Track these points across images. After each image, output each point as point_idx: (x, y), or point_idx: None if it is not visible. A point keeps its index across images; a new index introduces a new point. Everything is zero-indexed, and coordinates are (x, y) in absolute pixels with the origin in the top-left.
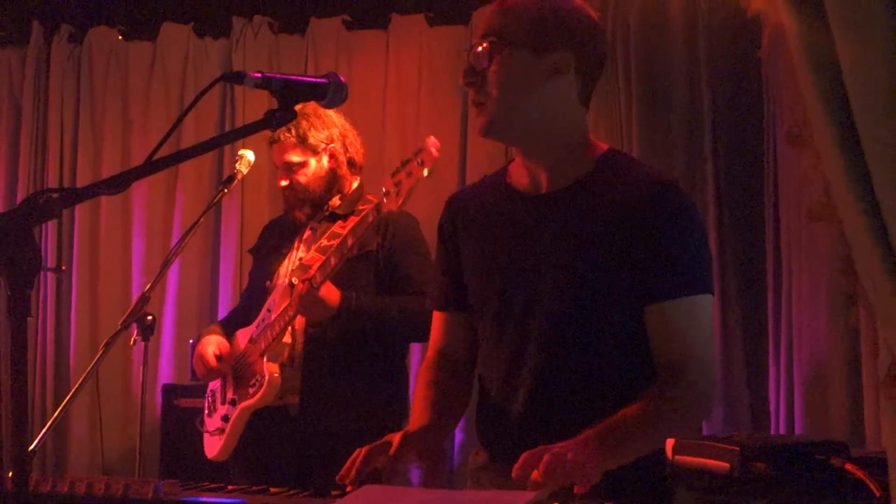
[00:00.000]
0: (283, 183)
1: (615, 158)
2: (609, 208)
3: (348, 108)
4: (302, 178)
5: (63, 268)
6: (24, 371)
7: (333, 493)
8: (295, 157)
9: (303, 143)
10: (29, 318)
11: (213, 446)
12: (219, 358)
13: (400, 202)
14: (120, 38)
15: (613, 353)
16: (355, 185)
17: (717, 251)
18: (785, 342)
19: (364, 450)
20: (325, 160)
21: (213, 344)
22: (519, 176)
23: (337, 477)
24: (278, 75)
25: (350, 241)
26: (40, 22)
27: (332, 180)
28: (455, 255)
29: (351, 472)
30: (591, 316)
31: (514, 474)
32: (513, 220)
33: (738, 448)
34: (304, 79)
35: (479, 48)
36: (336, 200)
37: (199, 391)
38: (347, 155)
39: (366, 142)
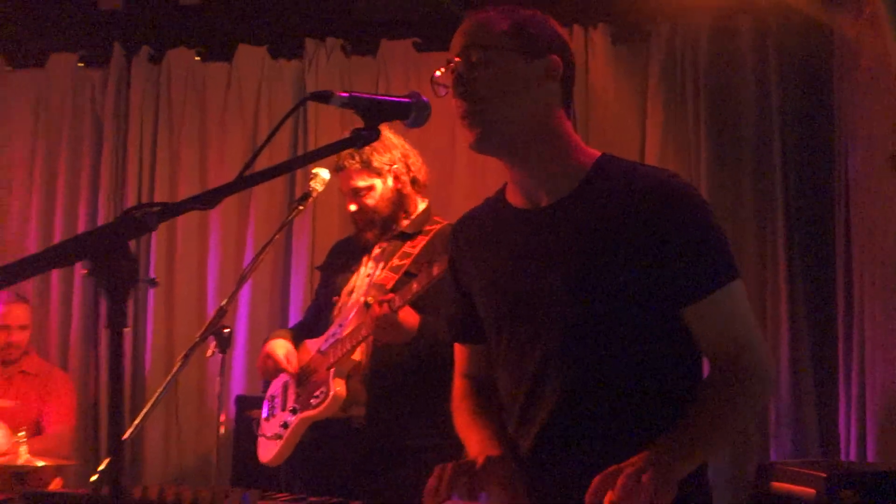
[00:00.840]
0: (353, 208)
1: (610, 163)
2: (613, 214)
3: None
4: (370, 202)
5: (157, 280)
6: (122, 378)
7: None
8: (361, 182)
9: (367, 167)
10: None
11: (268, 451)
12: (287, 359)
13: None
14: (197, 59)
15: (637, 360)
16: (422, 206)
17: (786, 275)
18: (856, 369)
19: (449, 469)
20: (390, 181)
21: (282, 347)
22: (515, 193)
23: (424, 494)
24: (364, 95)
25: (435, 271)
26: (121, 43)
27: (399, 200)
28: (463, 280)
29: (440, 490)
30: (608, 328)
31: (587, 499)
32: (514, 238)
33: (824, 475)
34: (389, 98)
35: (467, 57)
36: (404, 221)
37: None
38: (411, 175)
39: (436, 162)
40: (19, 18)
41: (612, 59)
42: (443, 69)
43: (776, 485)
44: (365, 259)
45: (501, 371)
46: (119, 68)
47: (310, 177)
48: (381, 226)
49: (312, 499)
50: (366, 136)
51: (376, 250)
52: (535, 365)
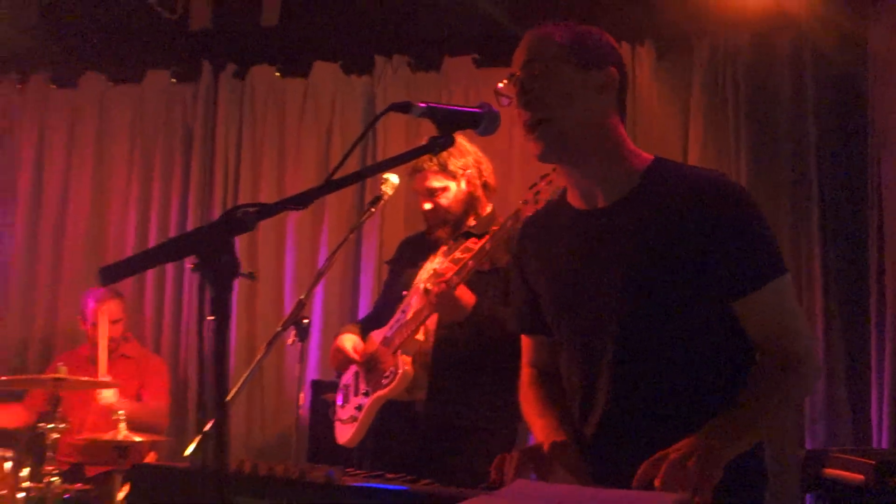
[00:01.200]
0: (427, 206)
1: (662, 165)
2: (667, 213)
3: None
4: (444, 201)
5: (254, 275)
6: (226, 364)
7: (480, 486)
8: (437, 183)
9: (444, 169)
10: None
11: (344, 433)
12: (356, 351)
13: (537, 209)
14: (277, 75)
15: (689, 352)
16: (489, 209)
17: (820, 274)
18: (889, 361)
19: (517, 454)
20: (463, 184)
21: (350, 340)
22: (574, 196)
23: (491, 478)
24: (440, 105)
25: (488, 247)
26: (210, 61)
27: (470, 202)
28: (527, 276)
29: (509, 473)
30: (662, 322)
31: (634, 484)
32: (574, 237)
33: (873, 462)
34: (463, 109)
35: (530, 70)
36: (472, 221)
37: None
38: (482, 179)
39: (494, 166)
40: (119, 39)
41: (656, 73)
42: (506, 81)
43: (828, 471)
44: (432, 257)
45: (565, 362)
46: (207, 84)
47: (381, 182)
48: (452, 224)
49: (389, 475)
50: (441, 143)
51: (443, 248)
52: (595, 357)
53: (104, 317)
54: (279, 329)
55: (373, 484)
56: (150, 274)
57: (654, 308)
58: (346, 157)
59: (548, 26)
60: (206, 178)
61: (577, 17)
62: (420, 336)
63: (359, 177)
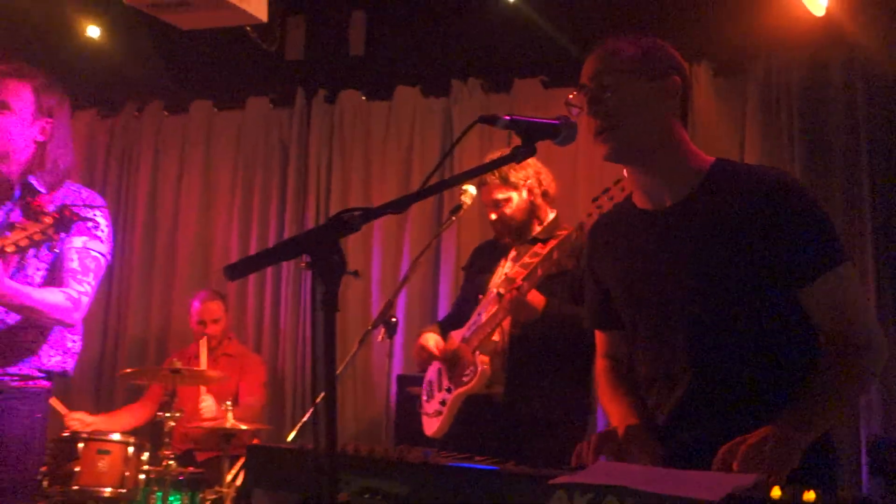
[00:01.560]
0: (493, 217)
1: (724, 165)
2: (731, 210)
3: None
4: (508, 211)
5: (357, 273)
6: (335, 355)
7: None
8: (500, 195)
9: (505, 182)
10: (337, 313)
11: (431, 426)
12: (437, 349)
13: (604, 213)
14: (363, 98)
15: (758, 342)
16: (552, 216)
17: (874, 284)
18: None
19: (595, 437)
20: (524, 194)
21: (432, 338)
22: (640, 197)
23: (573, 457)
24: (522, 118)
25: (555, 255)
26: (303, 88)
27: (532, 209)
28: (599, 275)
29: (588, 454)
30: (731, 315)
31: (714, 467)
32: (642, 237)
33: None
34: (543, 121)
35: (599, 82)
36: (537, 228)
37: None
38: (542, 188)
39: (561, 175)
40: (223, 69)
41: (713, 91)
42: (576, 92)
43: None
44: (503, 261)
45: (639, 354)
46: (301, 108)
47: (461, 192)
48: (517, 231)
49: (478, 458)
50: (524, 153)
51: (512, 253)
52: (668, 349)
53: (207, 316)
54: (370, 328)
55: (465, 464)
56: (252, 280)
57: (724, 300)
58: (438, 164)
59: (616, 40)
60: (301, 192)
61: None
62: (496, 337)
63: (448, 184)
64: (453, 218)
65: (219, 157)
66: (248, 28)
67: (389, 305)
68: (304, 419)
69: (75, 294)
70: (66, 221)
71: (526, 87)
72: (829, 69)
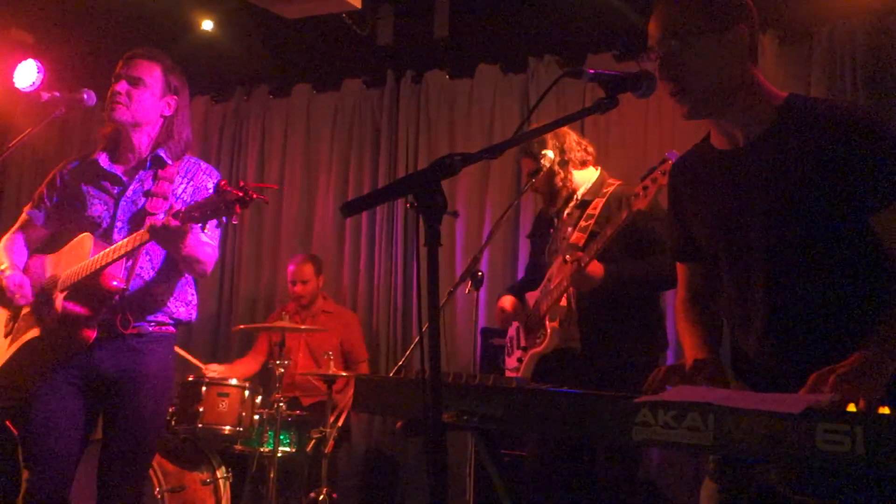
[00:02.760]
0: (534, 181)
1: (797, 101)
2: (805, 142)
3: (619, 123)
4: (536, 182)
5: (457, 213)
6: (437, 287)
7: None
8: (528, 168)
9: (528, 154)
10: (440, 247)
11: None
12: (514, 311)
13: (647, 202)
14: (447, 77)
15: (834, 272)
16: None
17: None
18: None
19: (663, 369)
20: (545, 163)
21: (508, 300)
22: (717, 138)
23: (644, 387)
24: (606, 71)
25: (609, 232)
26: (392, 69)
27: (552, 175)
28: (681, 214)
29: (656, 382)
30: (807, 245)
31: (802, 393)
32: (720, 175)
33: None
34: (625, 74)
35: (669, 46)
36: (566, 192)
37: (505, 334)
38: (565, 156)
39: (631, 149)
40: (321, 54)
41: (779, 59)
42: (647, 55)
43: None
44: (557, 223)
45: (723, 287)
46: (391, 88)
47: (540, 157)
48: (551, 197)
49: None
50: (606, 104)
51: (565, 216)
52: (750, 281)
53: (297, 277)
54: (458, 280)
55: (553, 388)
56: (347, 243)
57: (800, 231)
58: (526, 118)
59: None
60: (391, 164)
61: None
62: (563, 302)
63: (536, 133)
64: (533, 180)
65: (318, 134)
66: (343, 15)
67: (475, 261)
68: (401, 363)
69: (214, 249)
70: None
71: (599, 62)
72: (892, 34)
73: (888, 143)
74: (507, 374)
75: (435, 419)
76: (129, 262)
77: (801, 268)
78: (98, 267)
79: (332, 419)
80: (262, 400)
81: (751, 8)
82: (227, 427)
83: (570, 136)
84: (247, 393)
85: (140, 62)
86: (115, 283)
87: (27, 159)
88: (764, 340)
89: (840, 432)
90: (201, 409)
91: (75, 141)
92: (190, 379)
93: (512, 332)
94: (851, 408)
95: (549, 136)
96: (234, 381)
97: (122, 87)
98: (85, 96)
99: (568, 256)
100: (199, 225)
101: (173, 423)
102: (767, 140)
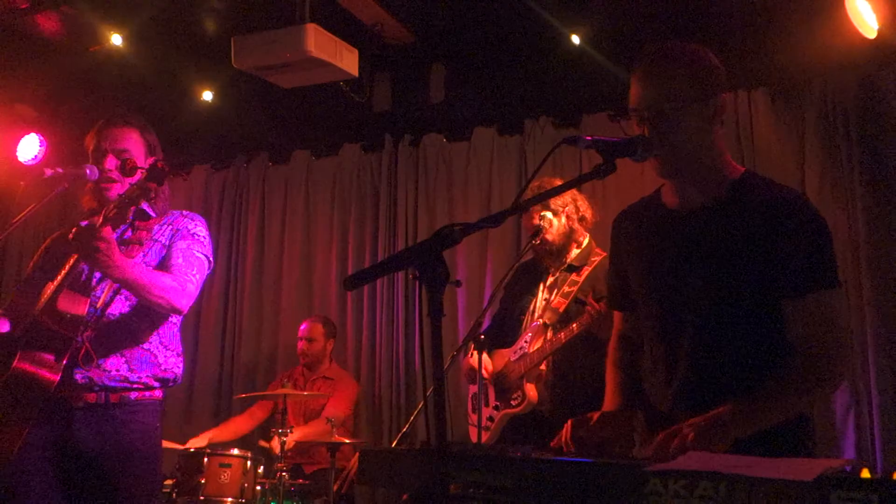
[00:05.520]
0: (535, 242)
1: (751, 179)
2: (747, 220)
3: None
4: (549, 236)
5: (459, 282)
6: (441, 354)
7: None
8: (542, 221)
9: (546, 207)
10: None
11: (476, 435)
12: (489, 374)
13: (631, 205)
14: (444, 140)
15: (750, 345)
16: (586, 241)
17: None
18: None
19: (570, 421)
20: (563, 219)
21: (485, 366)
22: (669, 196)
23: (552, 442)
24: (602, 137)
25: (577, 329)
26: (390, 134)
27: (570, 234)
28: (620, 264)
29: (565, 439)
30: (734, 313)
31: (652, 449)
32: (665, 233)
33: None
34: (621, 140)
35: (657, 111)
36: (575, 251)
37: None
38: (579, 213)
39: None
40: (320, 121)
41: (771, 115)
42: (630, 116)
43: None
44: (541, 286)
45: (648, 340)
46: (389, 152)
47: (540, 217)
48: (556, 254)
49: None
50: (605, 169)
51: (550, 279)
52: (676, 338)
53: (305, 334)
54: (461, 344)
55: (563, 458)
56: (350, 306)
57: (728, 301)
58: (526, 185)
59: (664, 58)
60: (391, 227)
61: None
62: (542, 367)
63: (536, 200)
64: (534, 241)
65: (317, 198)
66: (341, 83)
67: (478, 325)
68: (404, 430)
69: (181, 280)
70: (158, 173)
71: (593, 121)
72: (883, 88)
73: (821, 241)
74: (472, 429)
75: (442, 492)
76: (98, 293)
77: (725, 335)
78: (48, 297)
79: (335, 487)
80: (265, 470)
81: (724, 73)
82: (230, 499)
83: (581, 196)
84: (249, 463)
85: (117, 131)
86: (70, 311)
87: (28, 234)
88: (680, 396)
89: (855, 500)
90: (203, 481)
91: (77, 215)
92: (192, 450)
93: (474, 389)
94: (866, 474)
95: (564, 198)
96: (235, 451)
97: (110, 163)
98: (87, 171)
99: (546, 319)
100: (142, 255)
101: (174, 496)
102: (717, 210)
